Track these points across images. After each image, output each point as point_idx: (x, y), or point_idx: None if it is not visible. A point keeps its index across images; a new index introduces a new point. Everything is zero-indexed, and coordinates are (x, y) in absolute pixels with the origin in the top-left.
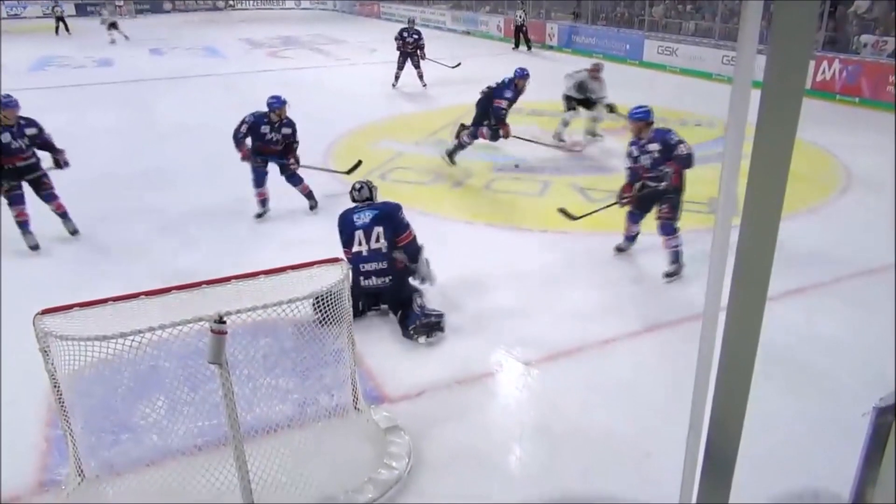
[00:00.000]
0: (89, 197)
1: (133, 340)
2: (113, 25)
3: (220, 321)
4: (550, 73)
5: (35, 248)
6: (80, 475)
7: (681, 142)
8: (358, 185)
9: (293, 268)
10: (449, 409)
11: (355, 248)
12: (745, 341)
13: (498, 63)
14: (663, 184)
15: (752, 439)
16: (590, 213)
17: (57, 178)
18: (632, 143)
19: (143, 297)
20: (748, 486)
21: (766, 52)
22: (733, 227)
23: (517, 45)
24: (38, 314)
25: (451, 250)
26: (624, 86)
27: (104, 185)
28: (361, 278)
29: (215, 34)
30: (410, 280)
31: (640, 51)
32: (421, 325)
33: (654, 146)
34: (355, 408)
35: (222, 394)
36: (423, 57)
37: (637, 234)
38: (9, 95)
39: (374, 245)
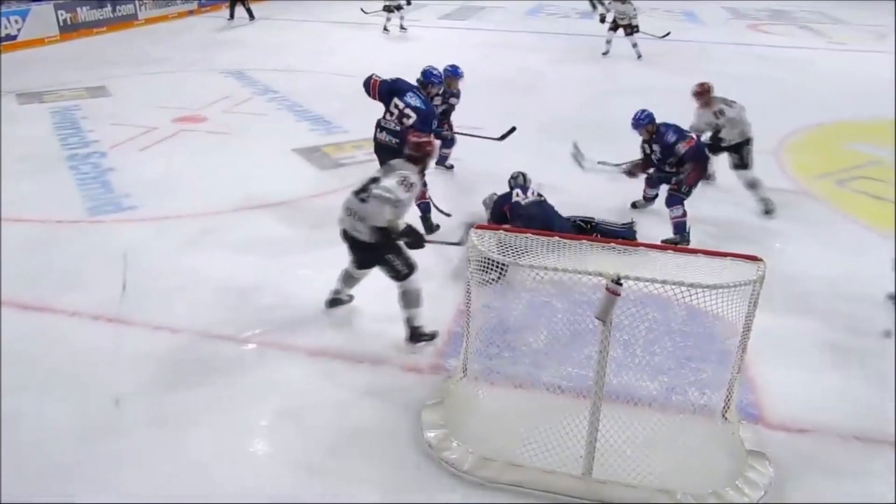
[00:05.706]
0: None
1: (537, 274)
2: (395, 8)
3: (617, 282)
4: None
5: None
6: (463, 372)
7: (679, 141)
8: (515, 174)
9: (706, 252)
10: (837, 465)
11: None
12: None
13: None
14: (680, 177)
15: None
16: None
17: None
18: (643, 141)
19: (556, 237)
20: None
21: None
22: None
23: None
24: (473, 226)
25: None
26: None
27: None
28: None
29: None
30: None
31: None
32: None
33: (657, 147)
34: (723, 416)
35: (598, 349)
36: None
37: (655, 196)
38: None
39: (532, 197)
